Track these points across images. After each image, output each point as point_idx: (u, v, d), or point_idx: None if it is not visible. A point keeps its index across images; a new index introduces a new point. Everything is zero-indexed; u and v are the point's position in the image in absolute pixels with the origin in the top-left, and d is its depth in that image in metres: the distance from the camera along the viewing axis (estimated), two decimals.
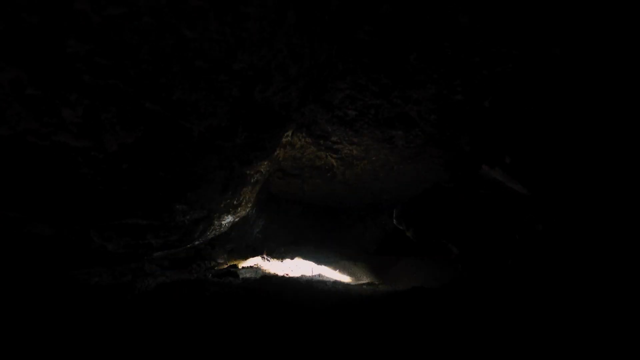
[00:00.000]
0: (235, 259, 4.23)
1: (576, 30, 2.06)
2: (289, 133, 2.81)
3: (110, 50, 1.55)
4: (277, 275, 3.43)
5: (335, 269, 4.09)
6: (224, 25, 1.66)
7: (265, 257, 4.30)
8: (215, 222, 3.26)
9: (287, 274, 3.54)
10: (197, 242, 3.42)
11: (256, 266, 3.83)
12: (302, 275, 3.51)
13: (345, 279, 3.74)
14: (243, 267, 3.77)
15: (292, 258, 4.37)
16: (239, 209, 3.40)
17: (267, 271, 3.55)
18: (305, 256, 4.53)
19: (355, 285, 3.34)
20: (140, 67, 1.64)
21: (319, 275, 3.75)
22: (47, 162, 1.80)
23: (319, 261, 4.35)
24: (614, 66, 2.10)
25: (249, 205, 3.81)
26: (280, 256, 4.30)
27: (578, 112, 2.11)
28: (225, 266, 3.89)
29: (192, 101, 1.89)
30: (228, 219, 3.41)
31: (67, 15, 1.39)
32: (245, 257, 4.21)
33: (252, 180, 3.07)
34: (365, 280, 3.67)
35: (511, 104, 2.54)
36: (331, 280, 3.41)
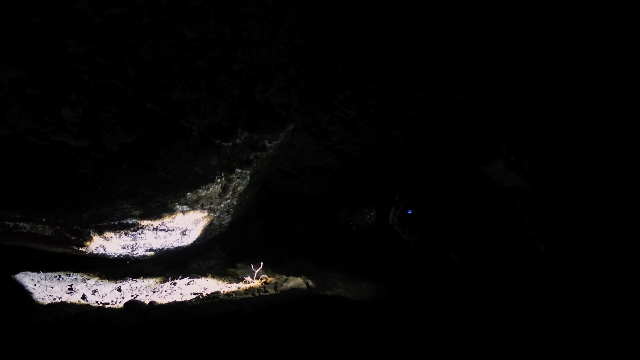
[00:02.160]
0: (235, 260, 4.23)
1: (575, 29, 2.06)
2: (290, 133, 2.81)
3: (110, 50, 1.55)
4: None
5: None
6: (224, 25, 1.66)
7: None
8: (215, 222, 3.26)
9: None
10: (197, 243, 3.43)
11: None
12: None
13: None
14: None
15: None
16: (239, 209, 3.40)
17: None
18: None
19: None
20: (140, 67, 1.64)
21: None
22: (47, 162, 1.80)
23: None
24: (614, 65, 2.10)
25: (249, 205, 3.81)
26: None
27: (579, 110, 2.10)
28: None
29: (192, 101, 1.90)
30: (228, 219, 3.41)
31: (67, 15, 1.40)
32: (246, 258, 4.21)
33: (252, 181, 3.07)
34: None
35: (511, 103, 2.54)
36: None
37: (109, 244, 2.77)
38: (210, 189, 2.64)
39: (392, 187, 4.01)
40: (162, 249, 3.18)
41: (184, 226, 2.95)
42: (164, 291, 3.07)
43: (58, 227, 2.43)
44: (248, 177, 2.91)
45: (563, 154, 1.19)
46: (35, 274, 3.24)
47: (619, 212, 1.08)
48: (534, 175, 1.20)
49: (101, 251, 2.84)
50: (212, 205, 2.89)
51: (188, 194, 2.52)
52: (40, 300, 2.66)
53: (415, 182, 3.91)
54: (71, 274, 3.45)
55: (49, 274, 3.35)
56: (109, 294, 2.98)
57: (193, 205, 2.72)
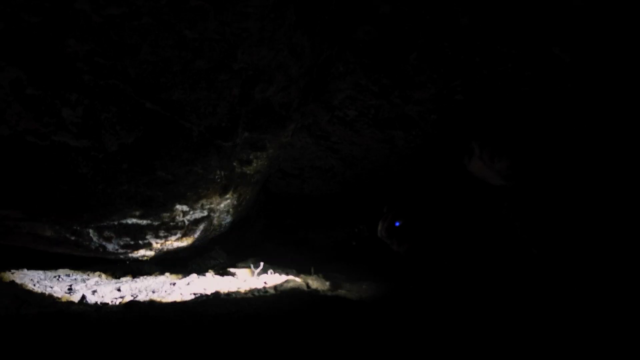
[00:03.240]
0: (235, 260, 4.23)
1: (575, 29, 2.06)
2: (290, 133, 2.81)
3: (110, 50, 1.55)
4: None
5: None
6: (224, 25, 1.66)
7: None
8: (215, 222, 3.26)
9: None
10: (197, 243, 3.43)
11: None
12: None
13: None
14: None
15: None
16: (239, 209, 3.40)
17: None
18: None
19: None
20: (140, 67, 1.64)
21: None
22: (47, 162, 1.80)
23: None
24: (612, 65, 2.10)
25: (249, 205, 3.81)
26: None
27: (576, 110, 2.11)
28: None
29: (192, 101, 1.90)
30: (228, 220, 3.41)
31: (67, 15, 1.40)
32: (246, 258, 4.20)
33: (252, 181, 3.07)
34: None
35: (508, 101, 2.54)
36: None
37: (109, 244, 2.77)
38: (211, 189, 2.64)
39: (387, 194, 4.00)
40: (162, 249, 3.17)
41: (185, 226, 2.95)
42: (163, 291, 3.07)
43: (58, 227, 2.43)
44: (248, 177, 2.91)
45: (546, 154, 1.18)
46: (34, 273, 3.24)
47: (604, 215, 1.08)
48: (511, 173, 1.19)
49: (101, 251, 2.84)
50: (212, 206, 2.89)
51: (188, 194, 2.52)
52: (40, 300, 2.66)
53: (403, 194, 3.89)
54: (71, 273, 3.45)
55: (49, 273, 3.34)
56: (108, 294, 2.97)
57: (193, 206, 2.72)
